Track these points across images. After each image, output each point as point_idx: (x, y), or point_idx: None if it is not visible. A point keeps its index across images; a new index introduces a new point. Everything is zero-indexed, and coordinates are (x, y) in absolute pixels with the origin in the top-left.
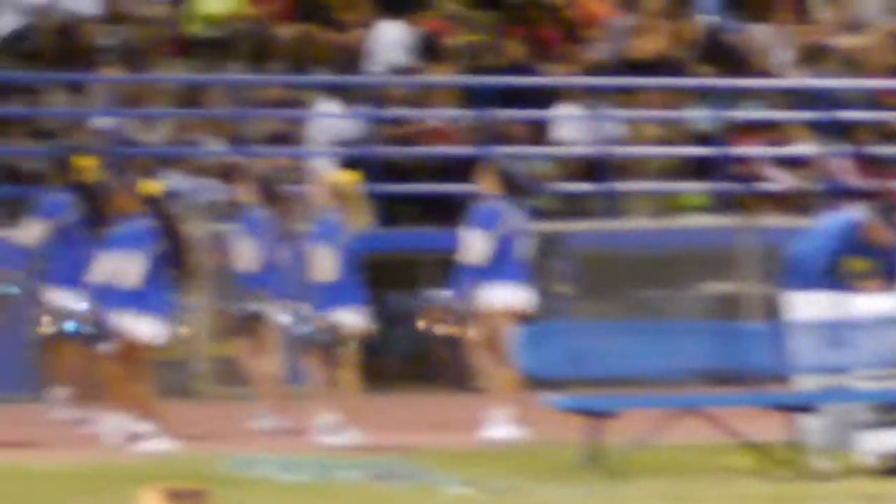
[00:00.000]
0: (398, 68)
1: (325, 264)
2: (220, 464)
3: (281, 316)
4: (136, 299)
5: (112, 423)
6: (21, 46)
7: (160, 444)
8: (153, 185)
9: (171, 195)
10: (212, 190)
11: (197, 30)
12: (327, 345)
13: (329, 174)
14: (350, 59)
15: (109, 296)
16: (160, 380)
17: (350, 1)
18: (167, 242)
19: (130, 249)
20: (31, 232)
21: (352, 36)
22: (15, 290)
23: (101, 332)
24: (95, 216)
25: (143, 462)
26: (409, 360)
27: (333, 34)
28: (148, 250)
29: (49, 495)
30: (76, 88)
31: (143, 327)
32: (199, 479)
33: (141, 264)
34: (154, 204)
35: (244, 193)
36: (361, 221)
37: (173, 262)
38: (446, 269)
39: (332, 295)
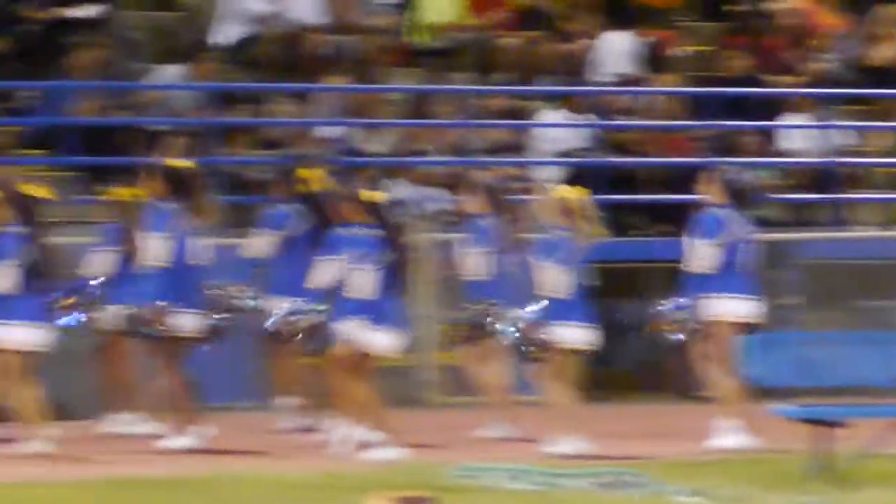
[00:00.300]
0: (624, 78)
1: (554, 280)
2: (447, 472)
3: (503, 325)
4: (369, 309)
5: (341, 432)
6: (246, 56)
7: (388, 453)
8: (376, 194)
9: (396, 204)
10: (437, 199)
11: (422, 40)
12: (536, 356)
13: (556, 190)
14: (575, 68)
15: (344, 306)
16: (387, 388)
17: (576, 11)
18: (391, 251)
19: (357, 259)
20: (259, 243)
21: (577, 46)
22: (253, 303)
23: (328, 340)
24: (321, 226)
25: (369, 470)
26: (638, 370)
27: (558, 44)
28: (375, 260)
29: (278, 502)
30: (301, 98)
31: (379, 338)
32: (425, 487)
33: (372, 274)
34: (377, 213)
35: (471, 203)
36: (591, 235)
37: (396, 271)
38: (674, 278)
39: (558, 310)
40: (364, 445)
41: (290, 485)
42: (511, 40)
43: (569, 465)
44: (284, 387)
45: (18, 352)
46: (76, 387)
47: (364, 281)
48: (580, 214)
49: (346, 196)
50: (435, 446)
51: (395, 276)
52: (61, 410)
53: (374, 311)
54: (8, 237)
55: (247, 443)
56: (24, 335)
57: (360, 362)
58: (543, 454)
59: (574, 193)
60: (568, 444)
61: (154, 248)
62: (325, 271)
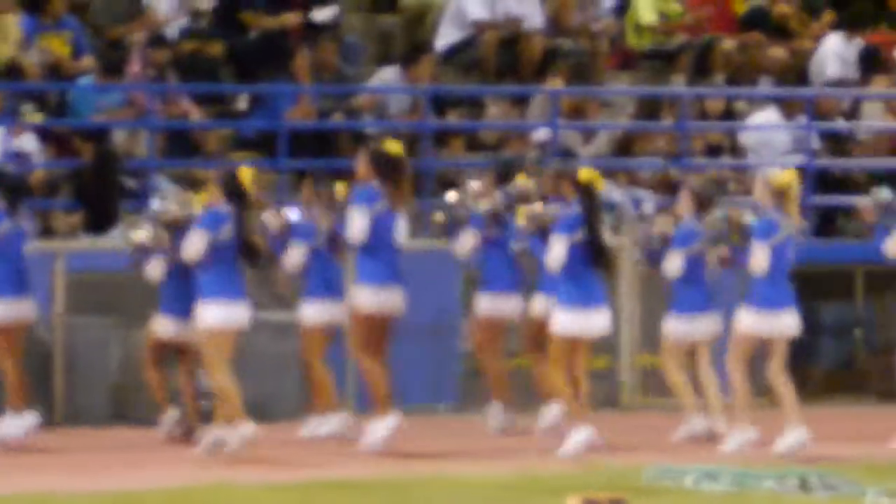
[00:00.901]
0: (841, 80)
1: (760, 259)
2: (641, 473)
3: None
4: (570, 289)
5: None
6: (463, 59)
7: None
8: (594, 175)
9: (609, 206)
10: (650, 201)
11: (642, 42)
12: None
13: (770, 173)
14: (794, 70)
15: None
16: (589, 390)
17: (799, 14)
18: (588, 235)
19: (557, 232)
20: (465, 244)
21: (795, 47)
22: None
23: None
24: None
25: (564, 471)
26: (836, 371)
27: (776, 46)
28: (571, 236)
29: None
30: (518, 101)
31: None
32: (620, 488)
33: (562, 248)
34: (586, 193)
35: (682, 206)
36: (796, 221)
37: (590, 255)
38: (879, 281)
39: (766, 294)
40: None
41: (485, 487)
42: (728, 41)
43: (761, 466)
44: (491, 388)
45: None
46: (277, 388)
47: (555, 253)
48: (790, 198)
49: (561, 173)
50: (630, 448)
51: (593, 257)
52: (261, 411)
53: (575, 291)
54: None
55: (447, 445)
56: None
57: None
58: (740, 454)
59: (785, 177)
60: (785, 442)
61: (356, 226)
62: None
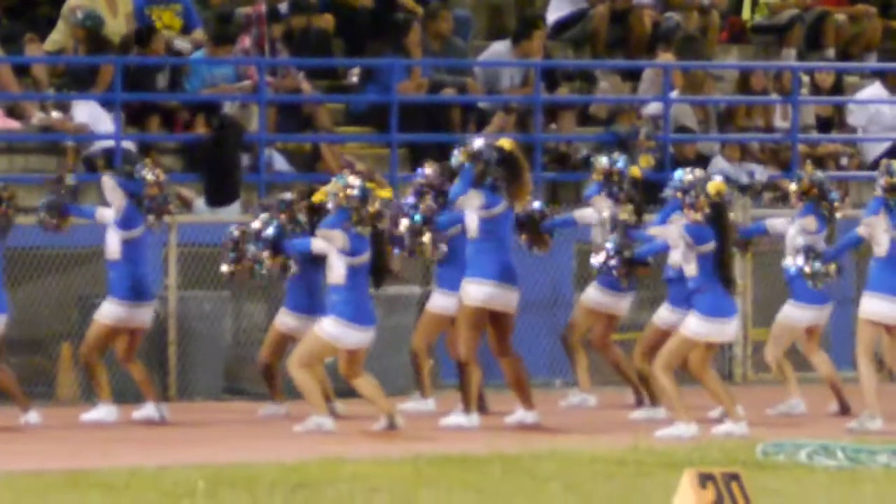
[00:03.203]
0: None
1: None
2: (755, 448)
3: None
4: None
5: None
6: (574, 33)
7: (684, 430)
8: (721, 186)
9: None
10: (758, 175)
11: (758, 16)
12: None
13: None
14: None
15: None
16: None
17: None
18: (717, 246)
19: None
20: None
21: None
22: None
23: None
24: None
25: (679, 447)
26: None
27: (886, 20)
28: (703, 247)
29: (589, 478)
30: (630, 74)
31: (693, 323)
32: (733, 463)
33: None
34: (716, 205)
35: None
36: None
37: (717, 267)
38: None
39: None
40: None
41: (600, 461)
42: (840, 15)
43: (873, 442)
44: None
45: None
46: (389, 362)
47: (690, 266)
48: None
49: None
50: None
51: (721, 264)
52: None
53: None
54: None
55: (558, 419)
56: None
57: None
58: (853, 430)
59: None
60: (874, 422)
61: (473, 223)
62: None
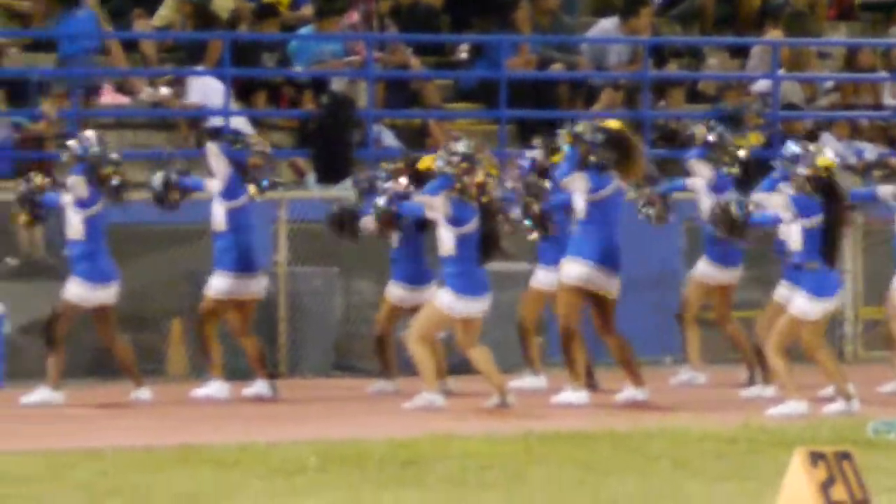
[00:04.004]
0: None
1: None
2: (866, 426)
3: None
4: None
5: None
6: (683, 9)
7: (794, 407)
8: (830, 161)
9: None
10: (867, 153)
11: None
12: None
13: None
14: None
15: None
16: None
17: None
18: (824, 223)
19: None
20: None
21: None
22: None
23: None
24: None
25: (789, 425)
26: None
27: None
28: (809, 221)
29: (699, 456)
30: (737, 52)
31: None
32: (844, 441)
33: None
34: (825, 181)
35: None
36: None
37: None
38: None
39: None
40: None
41: (710, 439)
42: None
43: None
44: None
45: None
46: (497, 337)
47: (794, 238)
48: None
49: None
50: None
51: (826, 240)
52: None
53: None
54: None
55: (669, 397)
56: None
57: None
58: None
59: None
60: None
61: (579, 204)
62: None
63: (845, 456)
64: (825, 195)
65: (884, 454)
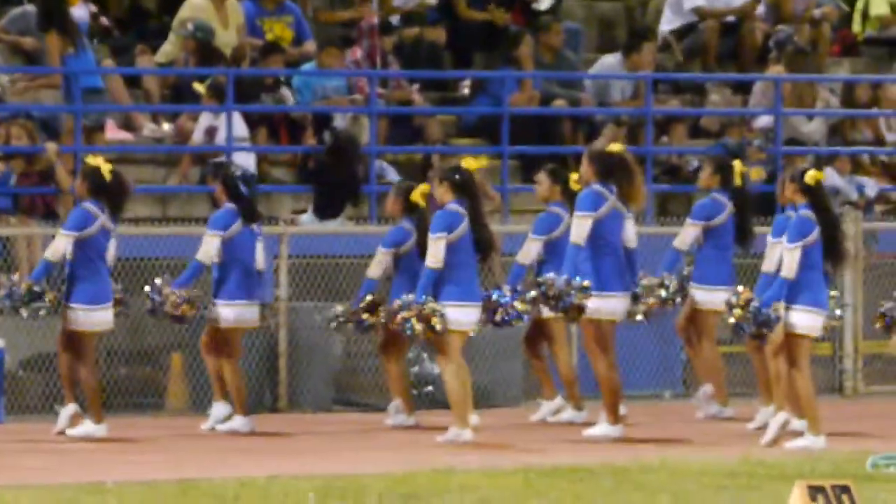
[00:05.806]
0: None
1: None
2: (865, 460)
3: None
4: (792, 290)
5: (778, 419)
6: (685, 44)
7: (811, 442)
8: (818, 174)
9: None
10: (868, 187)
11: (868, 29)
12: None
13: None
14: None
15: (779, 289)
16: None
17: None
18: (824, 233)
19: (790, 239)
20: (690, 233)
21: None
22: (666, 294)
23: (765, 325)
24: (744, 226)
25: (789, 458)
26: None
27: None
28: (805, 241)
29: (698, 490)
30: (741, 87)
31: (798, 317)
32: (843, 475)
33: (797, 253)
34: (814, 194)
35: None
36: None
37: (830, 254)
38: None
39: None
40: (794, 434)
41: (710, 473)
42: None
43: None
44: (705, 375)
45: None
46: (501, 373)
47: (791, 260)
48: None
49: (791, 178)
50: (855, 435)
51: (826, 255)
52: (485, 396)
53: (796, 291)
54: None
55: (669, 431)
56: None
57: (792, 346)
58: None
59: None
60: None
61: (577, 228)
62: (776, 255)
63: (844, 490)
64: (816, 209)
65: (884, 488)
